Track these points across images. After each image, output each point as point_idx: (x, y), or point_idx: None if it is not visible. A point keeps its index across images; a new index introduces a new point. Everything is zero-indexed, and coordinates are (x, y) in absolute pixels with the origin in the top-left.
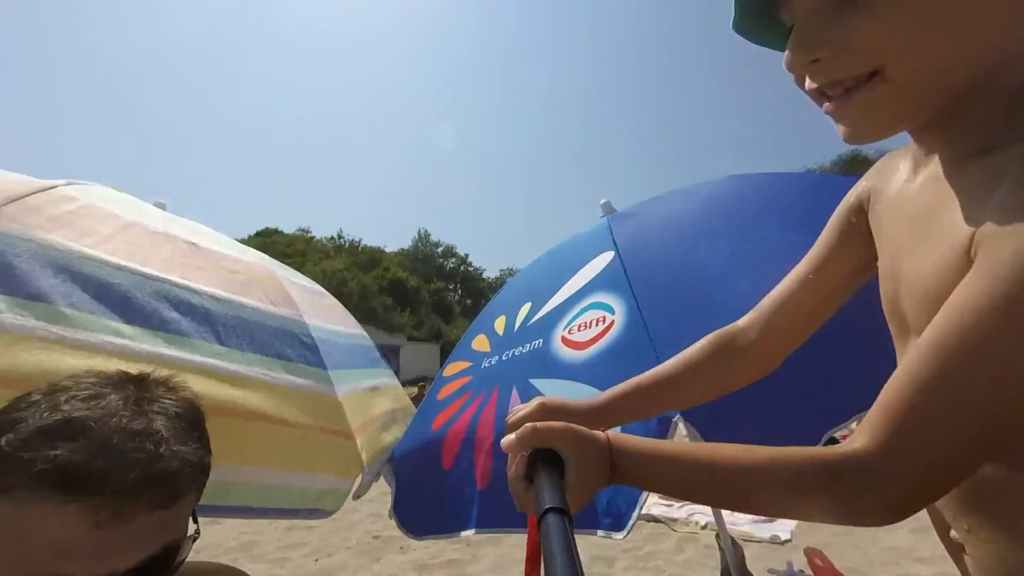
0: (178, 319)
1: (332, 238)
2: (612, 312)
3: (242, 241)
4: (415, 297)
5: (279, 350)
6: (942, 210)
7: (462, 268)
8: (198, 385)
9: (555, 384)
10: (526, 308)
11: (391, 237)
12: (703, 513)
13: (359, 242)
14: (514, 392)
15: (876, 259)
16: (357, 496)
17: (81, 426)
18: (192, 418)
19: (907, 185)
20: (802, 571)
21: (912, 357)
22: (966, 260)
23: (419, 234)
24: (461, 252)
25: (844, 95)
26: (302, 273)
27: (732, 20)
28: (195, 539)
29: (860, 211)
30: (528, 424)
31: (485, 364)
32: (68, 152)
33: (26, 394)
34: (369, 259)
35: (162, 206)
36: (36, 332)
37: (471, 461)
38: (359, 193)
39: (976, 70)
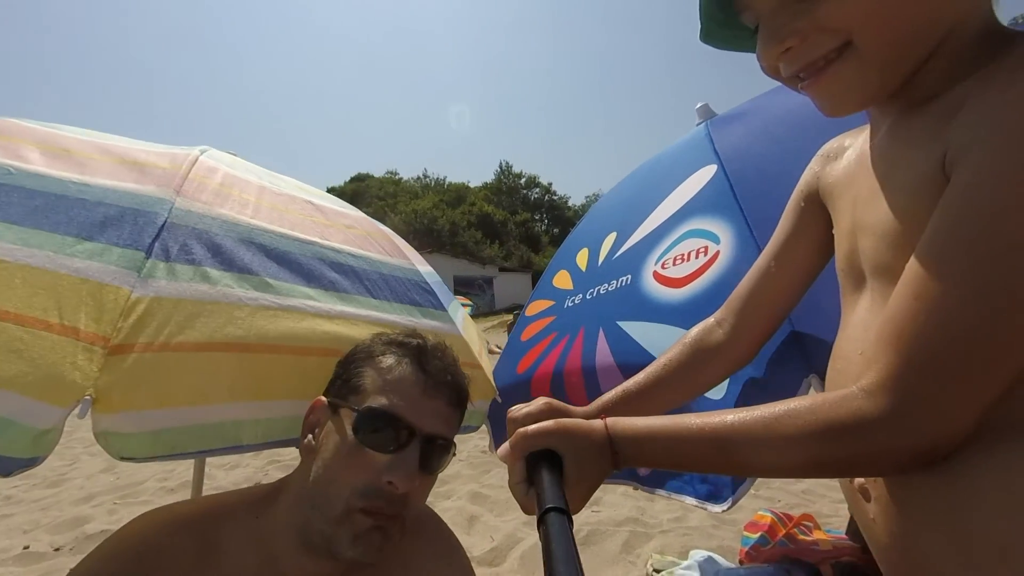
0: (339, 279)
1: (419, 178)
2: (716, 241)
3: (339, 187)
4: (503, 229)
5: (412, 298)
6: (899, 153)
7: (547, 198)
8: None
9: (647, 328)
10: (611, 240)
11: (475, 172)
12: None
13: (444, 179)
14: (601, 335)
15: (832, 239)
16: (482, 423)
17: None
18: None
19: (862, 148)
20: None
21: (911, 281)
22: (941, 179)
23: (501, 167)
24: (544, 181)
25: (818, 72)
26: (394, 215)
27: (699, 32)
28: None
29: (809, 196)
30: (519, 431)
31: (568, 303)
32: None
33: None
34: (456, 196)
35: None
36: (262, 302)
37: (562, 389)
38: (440, 131)
39: (937, 30)
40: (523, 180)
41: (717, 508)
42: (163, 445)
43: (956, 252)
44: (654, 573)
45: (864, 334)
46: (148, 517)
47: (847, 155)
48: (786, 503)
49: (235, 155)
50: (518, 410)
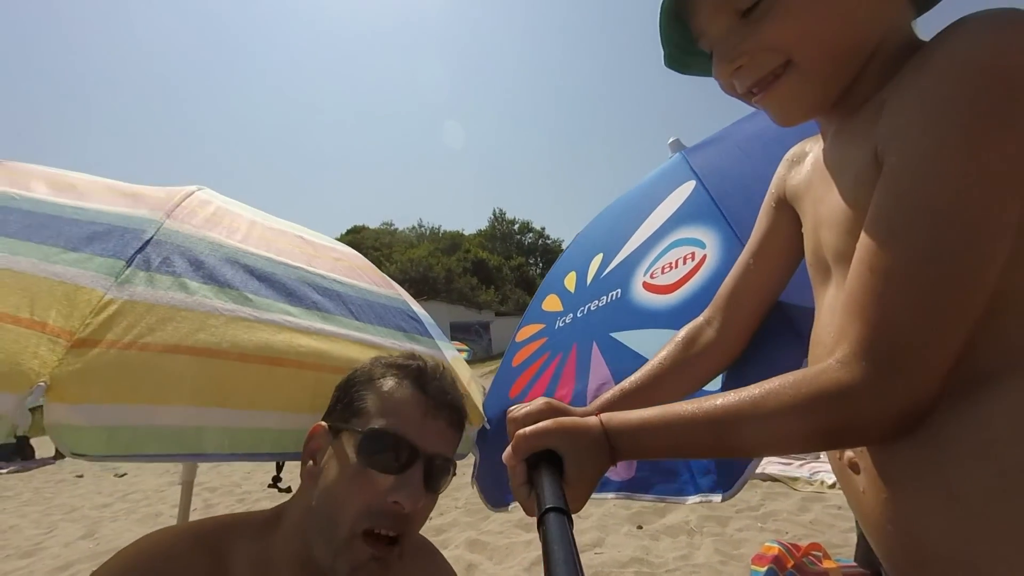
0: (323, 300)
1: (413, 228)
2: (702, 246)
3: (337, 238)
4: (498, 275)
5: (398, 323)
6: (843, 154)
7: (540, 241)
8: (353, 354)
9: (640, 335)
10: (597, 260)
11: (468, 220)
12: (829, 472)
13: (439, 228)
14: (595, 348)
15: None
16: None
17: (442, 370)
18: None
19: (816, 153)
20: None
21: (864, 258)
22: (876, 169)
23: (495, 214)
24: (537, 226)
25: (767, 87)
26: (390, 264)
27: (663, 58)
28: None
29: (779, 197)
30: (519, 432)
31: (559, 324)
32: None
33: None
34: (450, 243)
35: None
36: (238, 314)
37: None
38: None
39: (865, 46)
40: (516, 226)
41: (717, 498)
42: (118, 444)
43: (897, 224)
44: None
45: (833, 318)
46: (161, 533)
47: (807, 160)
48: (794, 534)
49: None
50: (518, 410)
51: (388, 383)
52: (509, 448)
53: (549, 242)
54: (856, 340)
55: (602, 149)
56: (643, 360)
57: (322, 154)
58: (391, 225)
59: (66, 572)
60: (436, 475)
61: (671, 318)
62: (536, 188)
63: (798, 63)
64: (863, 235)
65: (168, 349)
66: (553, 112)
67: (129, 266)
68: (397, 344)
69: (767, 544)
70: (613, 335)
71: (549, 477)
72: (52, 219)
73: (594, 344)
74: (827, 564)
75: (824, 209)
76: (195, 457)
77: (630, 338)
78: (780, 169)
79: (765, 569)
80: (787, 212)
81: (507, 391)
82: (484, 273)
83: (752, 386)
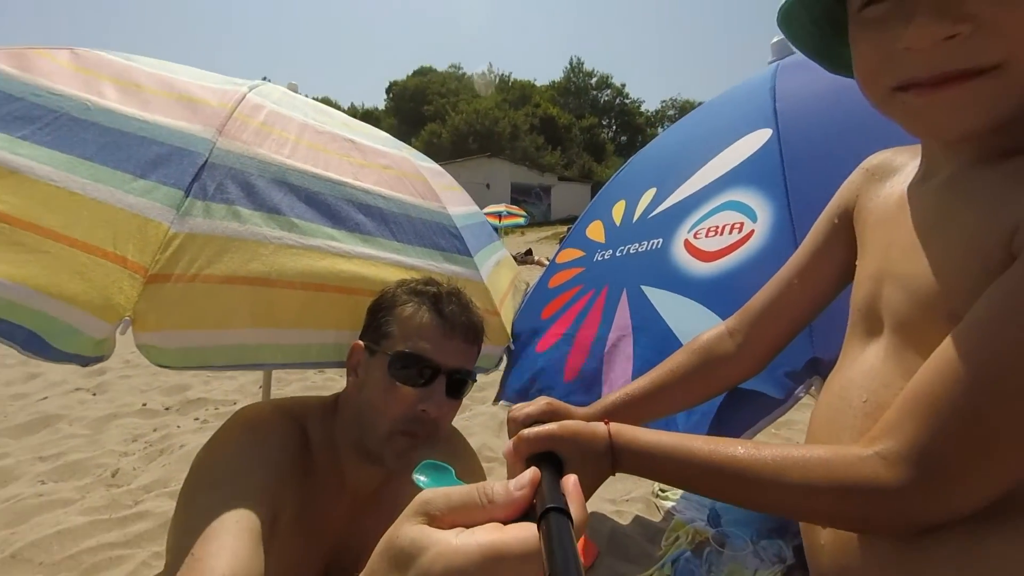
0: (365, 221)
1: (483, 73)
2: (753, 219)
3: (402, 82)
4: (566, 135)
5: (436, 242)
6: (956, 209)
7: (618, 101)
8: (390, 276)
9: (669, 298)
10: (649, 195)
11: (542, 69)
12: None
13: (509, 76)
14: (624, 296)
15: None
16: (497, 366)
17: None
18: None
19: (917, 186)
20: None
21: (951, 359)
22: (1003, 255)
23: (571, 64)
24: (617, 82)
25: (949, 84)
26: (455, 113)
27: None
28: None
29: (845, 213)
30: (522, 433)
31: (598, 257)
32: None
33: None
34: (519, 95)
35: (295, 88)
36: (286, 241)
37: (565, 353)
38: (508, 21)
39: None
40: (594, 80)
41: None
42: (193, 359)
43: (1008, 343)
44: (660, 492)
45: (871, 383)
46: (256, 406)
47: (892, 183)
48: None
49: (295, 86)
50: (519, 410)
51: (408, 309)
52: (510, 446)
53: (628, 102)
54: (910, 442)
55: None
56: (663, 323)
57: None
58: (459, 69)
59: (188, 373)
60: (457, 385)
61: (701, 291)
62: (621, 37)
63: (1011, 68)
64: (960, 332)
65: (225, 280)
66: None
67: (188, 196)
68: (433, 265)
69: None
70: (644, 288)
71: (550, 477)
72: (123, 137)
73: (624, 292)
74: None
75: (899, 260)
76: (254, 367)
77: (658, 297)
78: (855, 177)
79: None
80: (848, 233)
81: (539, 312)
82: (552, 132)
83: (776, 446)
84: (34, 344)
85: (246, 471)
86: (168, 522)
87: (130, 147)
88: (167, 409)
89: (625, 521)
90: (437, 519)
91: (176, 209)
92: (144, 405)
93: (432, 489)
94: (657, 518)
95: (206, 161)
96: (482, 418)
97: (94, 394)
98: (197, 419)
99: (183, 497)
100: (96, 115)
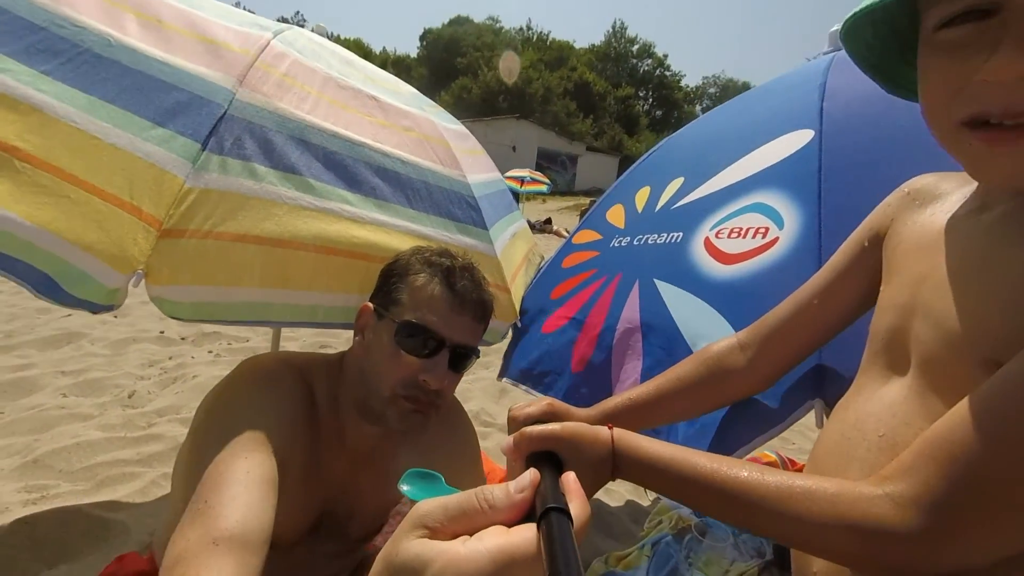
0: (381, 185)
1: (520, 29)
2: (780, 225)
3: (436, 30)
4: (600, 103)
5: (452, 212)
6: (1005, 250)
7: (657, 72)
8: (402, 245)
9: (681, 296)
10: (675, 185)
11: (583, 30)
12: None
13: (548, 35)
14: (636, 287)
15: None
16: (502, 339)
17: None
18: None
19: (963, 218)
20: None
21: (981, 412)
22: None
23: (613, 28)
24: (659, 52)
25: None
26: (488, 68)
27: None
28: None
29: (876, 237)
30: (524, 432)
31: (614, 243)
32: None
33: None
34: (556, 56)
35: (322, 30)
36: (300, 203)
37: (572, 340)
38: None
39: None
40: (636, 47)
41: None
42: (203, 312)
43: None
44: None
45: (891, 419)
46: (262, 357)
47: (934, 211)
48: (799, 447)
49: (322, 28)
50: (520, 409)
51: (420, 279)
52: (510, 441)
53: (668, 75)
54: (923, 488)
55: None
56: (671, 320)
57: None
58: (497, 22)
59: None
60: (460, 360)
61: (715, 294)
62: (669, 3)
63: None
64: (995, 384)
65: (238, 238)
66: None
67: (204, 149)
68: (446, 236)
69: (764, 452)
70: (657, 282)
71: (550, 477)
72: (143, 79)
73: (637, 282)
74: None
75: (934, 295)
76: (263, 324)
77: (669, 293)
78: (893, 199)
79: None
80: (876, 258)
81: (549, 291)
82: (585, 98)
83: (782, 474)
84: (47, 287)
85: (256, 422)
86: (178, 447)
87: (150, 91)
88: (183, 339)
89: (613, 501)
90: (438, 531)
91: (192, 162)
92: (162, 333)
93: (426, 500)
94: (646, 502)
95: (225, 112)
96: (483, 383)
97: (115, 316)
98: (211, 352)
99: (193, 438)
100: (118, 52)
